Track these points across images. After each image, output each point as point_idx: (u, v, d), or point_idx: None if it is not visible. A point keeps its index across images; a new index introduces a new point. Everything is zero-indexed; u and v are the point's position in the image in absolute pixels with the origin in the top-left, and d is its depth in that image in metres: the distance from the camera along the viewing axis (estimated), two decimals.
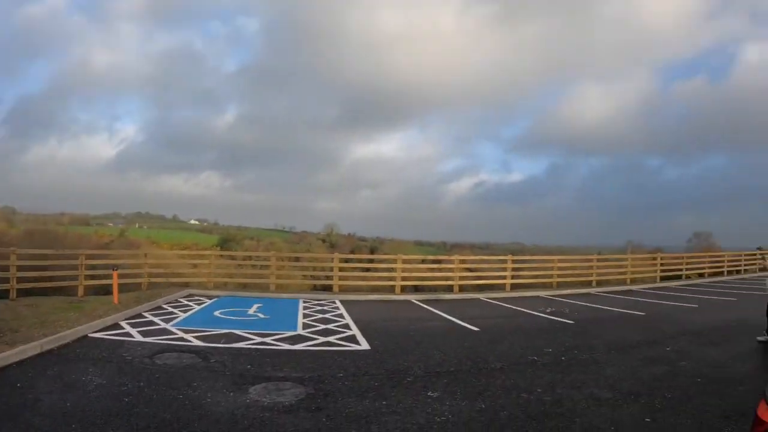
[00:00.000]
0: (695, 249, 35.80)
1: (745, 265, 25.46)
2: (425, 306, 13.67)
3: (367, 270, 19.35)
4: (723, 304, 14.33)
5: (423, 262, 19.52)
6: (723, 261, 25.77)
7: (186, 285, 15.69)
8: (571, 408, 5.31)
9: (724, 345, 8.69)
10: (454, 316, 11.57)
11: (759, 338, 8.99)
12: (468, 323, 10.63)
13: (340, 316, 11.37)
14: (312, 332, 9.19)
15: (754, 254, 24.73)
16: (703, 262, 25.04)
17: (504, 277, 18.27)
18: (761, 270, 23.99)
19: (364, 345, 8.20)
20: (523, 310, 13.08)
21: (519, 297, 16.21)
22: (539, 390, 5.92)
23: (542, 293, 17.11)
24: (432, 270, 18.65)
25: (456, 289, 17.17)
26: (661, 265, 22.82)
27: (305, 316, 11.20)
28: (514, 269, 18.61)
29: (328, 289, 16.30)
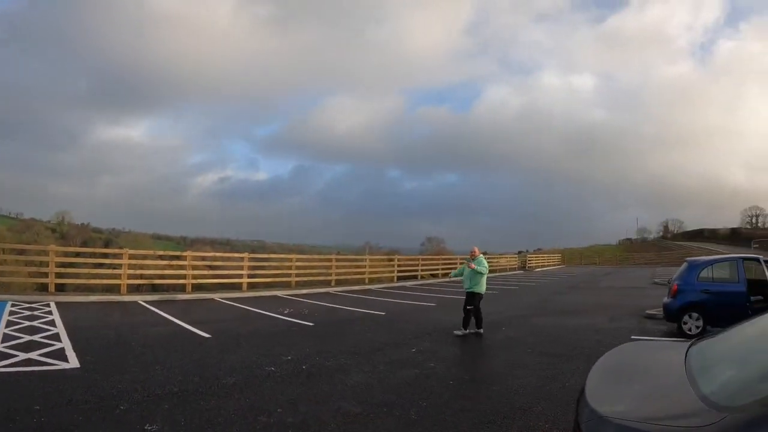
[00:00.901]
0: (428, 252, 40.74)
1: None
2: (153, 308, 12.84)
3: (100, 266, 17.95)
4: (458, 302, 15.71)
5: (162, 258, 17.76)
6: (456, 263, 29.28)
7: None
8: (319, 430, 4.77)
9: (466, 343, 9.37)
10: (183, 320, 10.87)
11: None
12: (198, 328, 9.94)
13: (52, 323, 9.89)
14: (11, 347, 7.68)
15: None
16: (437, 264, 28.19)
17: (241, 276, 17.71)
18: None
19: (74, 362, 7.04)
20: (260, 311, 12.76)
21: (256, 297, 16.05)
22: (280, 410, 5.28)
23: (280, 293, 17.15)
24: (165, 267, 17.46)
25: (189, 288, 16.34)
26: (398, 265, 24.94)
27: (9, 324, 9.55)
28: (251, 267, 18.35)
29: (45, 288, 14.40)
